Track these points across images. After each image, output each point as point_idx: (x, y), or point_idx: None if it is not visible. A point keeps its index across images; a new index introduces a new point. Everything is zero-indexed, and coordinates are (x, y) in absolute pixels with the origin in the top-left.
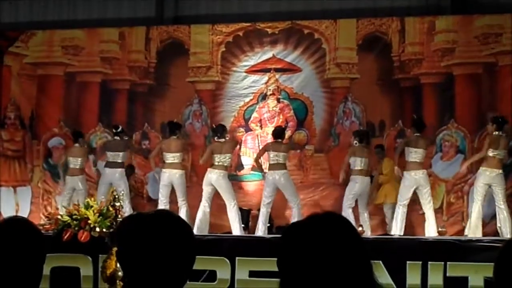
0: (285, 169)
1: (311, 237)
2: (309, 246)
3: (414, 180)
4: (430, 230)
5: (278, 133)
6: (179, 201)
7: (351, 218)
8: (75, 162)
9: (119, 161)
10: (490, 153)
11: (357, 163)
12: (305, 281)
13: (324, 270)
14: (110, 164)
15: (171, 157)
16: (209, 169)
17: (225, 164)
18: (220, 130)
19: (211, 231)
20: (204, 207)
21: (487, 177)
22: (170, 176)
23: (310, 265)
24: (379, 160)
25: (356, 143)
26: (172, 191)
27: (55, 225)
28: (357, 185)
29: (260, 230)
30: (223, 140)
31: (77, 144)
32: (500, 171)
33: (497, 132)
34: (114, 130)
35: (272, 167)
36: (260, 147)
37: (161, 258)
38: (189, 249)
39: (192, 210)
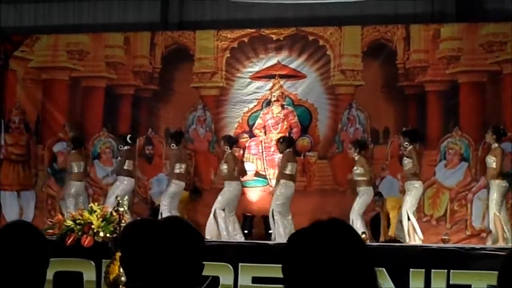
0: None
1: (316, 244)
2: (314, 253)
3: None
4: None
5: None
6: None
7: (362, 225)
8: (78, 167)
9: (131, 169)
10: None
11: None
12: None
13: (329, 276)
14: (130, 173)
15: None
16: (237, 182)
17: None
18: (235, 141)
19: None
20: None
21: (505, 189)
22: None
23: (315, 272)
24: (379, 205)
25: (356, 154)
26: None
27: (59, 229)
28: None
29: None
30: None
31: (76, 150)
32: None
33: (496, 144)
34: (129, 141)
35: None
36: (264, 153)
37: (169, 265)
38: (198, 257)
39: (197, 216)
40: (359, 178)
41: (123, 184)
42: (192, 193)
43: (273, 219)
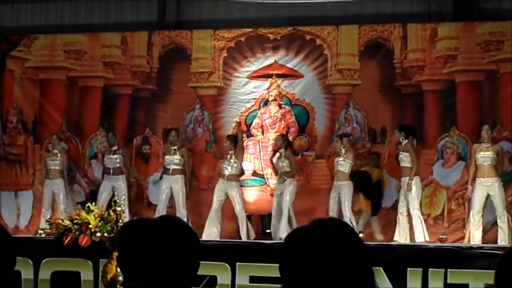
0: None
1: (314, 243)
2: (312, 252)
3: None
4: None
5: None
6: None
7: (355, 224)
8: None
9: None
10: None
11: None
12: (307, 287)
13: (326, 276)
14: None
15: None
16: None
17: None
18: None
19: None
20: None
21: None
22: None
23: (313, 271)
24: None
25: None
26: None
27: (56, 229)
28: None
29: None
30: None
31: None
32: None
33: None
34: (116, 141)
35: None
36: (261, 153)
37: (164, 264)
38: (194, 255)
39: (193, 216)
40: (342, 170)
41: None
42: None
43: (289, 218)
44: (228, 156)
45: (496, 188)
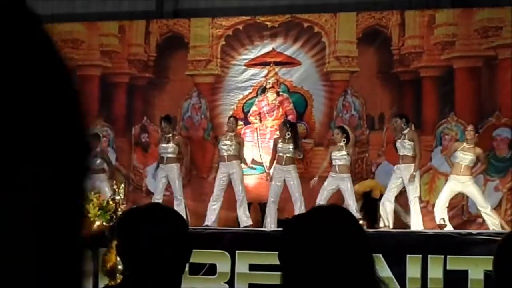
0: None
1: (314, 230)
2: (312, 239)
3: None
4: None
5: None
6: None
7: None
8: None
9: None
10: None
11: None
12: (307, 274)
13: (326, 263)
14: None
15: None
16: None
17: None
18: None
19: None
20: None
21: None
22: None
23: (312, 258)
24: None
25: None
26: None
27: None
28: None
29: None
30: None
31: None
32: None
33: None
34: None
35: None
36: (259, 141)
37: (155, 252)
38: (184, 241)
39: (193, 205)
40: (346, 164)
41: None
42: None
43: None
44: (228, 137)
45: (471, 184)
